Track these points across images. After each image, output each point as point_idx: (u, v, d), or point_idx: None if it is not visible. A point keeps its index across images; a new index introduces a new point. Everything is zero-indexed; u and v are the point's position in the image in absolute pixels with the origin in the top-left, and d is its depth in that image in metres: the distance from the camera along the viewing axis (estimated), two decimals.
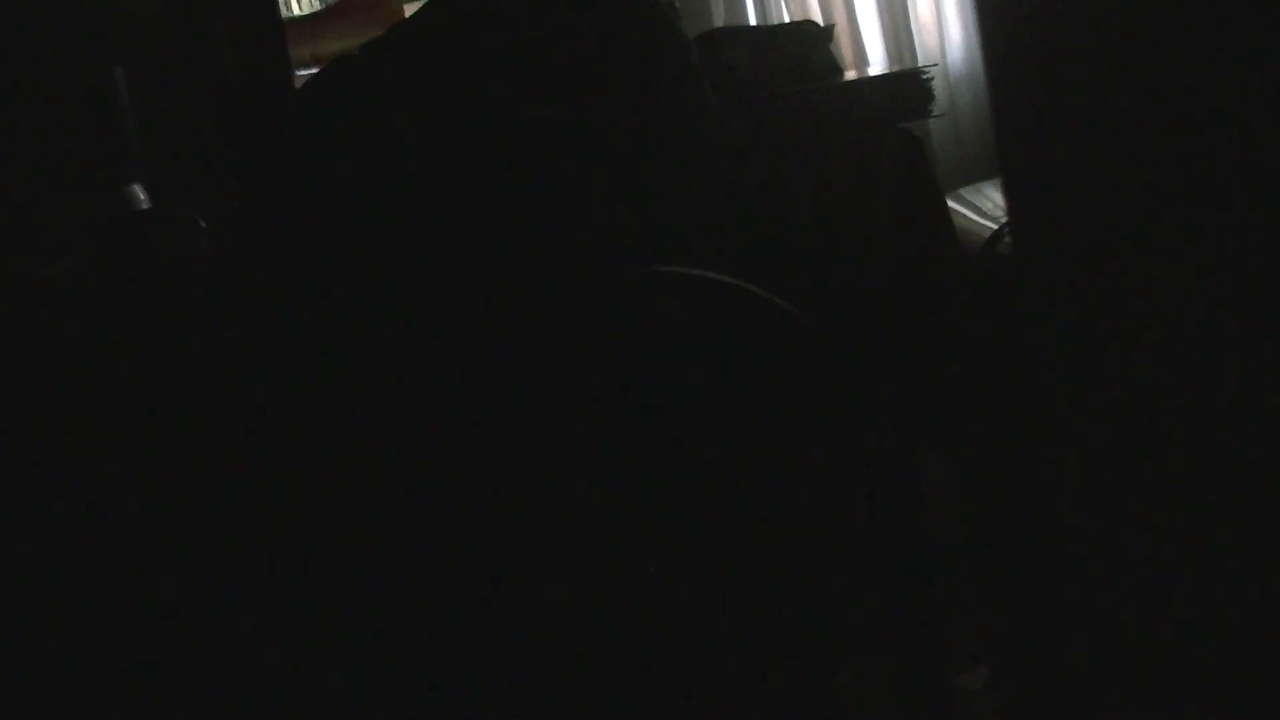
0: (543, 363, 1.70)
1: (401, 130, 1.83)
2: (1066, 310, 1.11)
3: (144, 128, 2.43)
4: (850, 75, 2.64)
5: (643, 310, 1.71)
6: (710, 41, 2.47)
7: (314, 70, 2.71)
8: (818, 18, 3.36)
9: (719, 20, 3.43)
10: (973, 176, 2.91)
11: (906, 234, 2.23)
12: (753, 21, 3.47)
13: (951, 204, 2.40)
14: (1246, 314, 0.98)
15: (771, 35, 2.68)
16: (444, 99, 1.82)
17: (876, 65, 3.37)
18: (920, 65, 2.84)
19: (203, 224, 2.20)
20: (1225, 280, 0.99)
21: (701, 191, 1.96)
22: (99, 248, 2.23)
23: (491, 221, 1.79)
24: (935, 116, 2.48)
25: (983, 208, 2.50)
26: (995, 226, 2.37)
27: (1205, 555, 1.04)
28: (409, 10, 3.16)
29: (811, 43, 2.44)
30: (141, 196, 2.34)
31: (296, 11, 3.17)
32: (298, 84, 2.81)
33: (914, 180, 2.25)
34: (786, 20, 3.39)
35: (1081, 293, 1.09)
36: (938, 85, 2.47)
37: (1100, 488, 1.12)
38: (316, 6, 3.20)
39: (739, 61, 2.37)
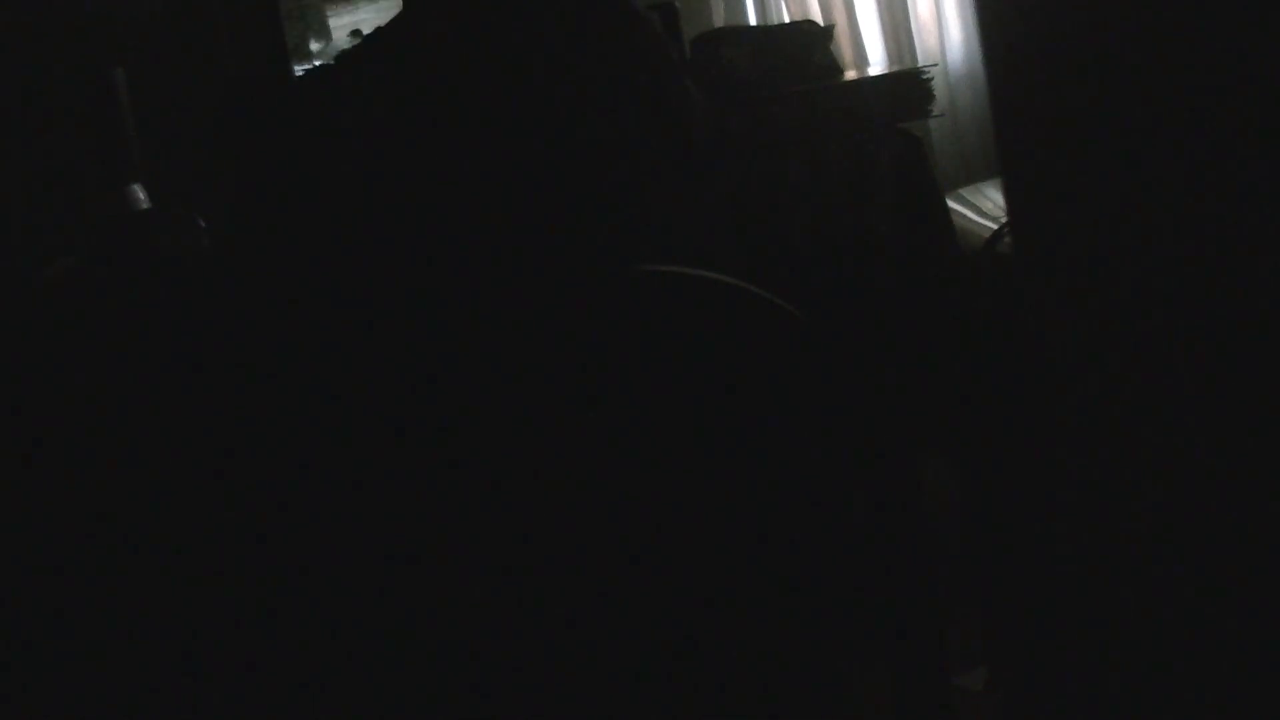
0: (540, 363, 1.70)
1: (388, 132, 1.83)
2: (1066, 310, 1.11)
3: (144, 128, 2.43)
4: (850, 75, 2.64)
5: (640, 310, 1.71)
6: (710, 41, 2.47)
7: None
8: (818, 18, 3.35)
9: (719, 20, 3.43)
10: (973, 176, 2.91)
11: (906, 234, 2.23)
12: (753, 21, 3.47)
13: (951, 204, 2.40)
14: (1246, 313, 0.98)
15: (771, 35, 2.69)
16: (426, 101, 1.82)
17: (876, 65, 3.37)
18: (920, 65, 2.84)
19: (203, 224, 2.20)
20: (1225, 279, 0.99)
21: (698, 190, 1.96)
22: (99, 248, 2.23)
23: (482, 222, 1.79)
24: (935, 116, 2.48)
25: (983, 208, 2.50)
26: (995, 226, 2.37)
27: (1205, 555, 1.04)
28: None
29: (811, 43, 2.44)
30: (141, 196, 2.35)
31: None
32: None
33: (913, 180, 2.25)
34: (786, 20, 3.39)
35: (1081, 293, 1.09)
36: (938, 85, 2.47)
37: (1100, 488, 1.12)
38: None
39: (739, 61, 2.37)
